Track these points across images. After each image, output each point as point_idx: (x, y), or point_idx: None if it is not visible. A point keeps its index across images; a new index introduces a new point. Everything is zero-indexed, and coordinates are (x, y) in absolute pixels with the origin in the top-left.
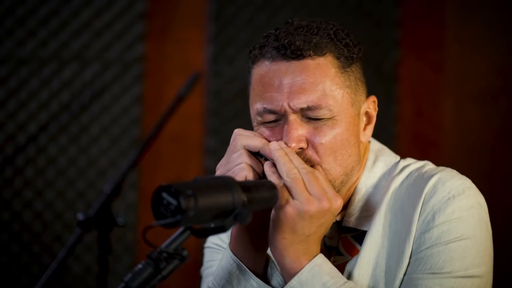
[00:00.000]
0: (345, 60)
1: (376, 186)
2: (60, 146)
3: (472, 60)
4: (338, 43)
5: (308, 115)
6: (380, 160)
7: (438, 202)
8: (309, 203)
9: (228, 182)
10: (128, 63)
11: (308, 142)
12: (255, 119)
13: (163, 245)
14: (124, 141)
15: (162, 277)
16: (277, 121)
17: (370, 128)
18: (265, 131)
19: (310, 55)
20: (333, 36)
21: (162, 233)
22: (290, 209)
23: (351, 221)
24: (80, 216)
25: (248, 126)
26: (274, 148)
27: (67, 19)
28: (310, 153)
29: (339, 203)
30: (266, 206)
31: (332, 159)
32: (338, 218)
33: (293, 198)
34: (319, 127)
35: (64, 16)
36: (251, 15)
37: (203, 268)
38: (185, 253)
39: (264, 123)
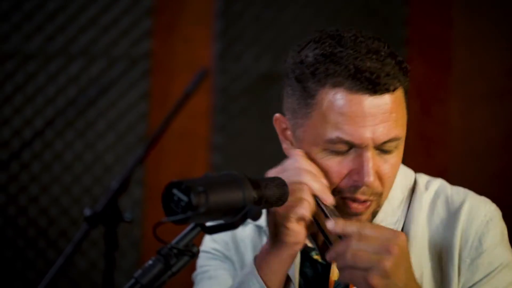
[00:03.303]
0: (406, 89)
1: (398, 199)
2: (67, 142)
3: (479, 59)
4: (404, 72)
5: (381, 148)
6: (399, 172)
7: (479, 227)
8: (383, 261)
9: (238, 179)
10: (135, 59)
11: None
12: (323, 145)
13: (174, 241)
14: (131, 137)
15: (172, 273)
16: (347, 151)
17: None
18: (333, 161)
19: (393, 90)
20: (398, 64)
21: (170, 229)
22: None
23: None
24: (87, 212)
25: (255, 122)
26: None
27: (75, 14)
28: (376, 185)
29: (402, 237)
30: (277, 204)
31: (389, 187)
32: None
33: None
34: (388, 159)
35: (71, 11)
36: (259, 12)
37: (195, 273)
38: (195, 249)
39: (332, 151)
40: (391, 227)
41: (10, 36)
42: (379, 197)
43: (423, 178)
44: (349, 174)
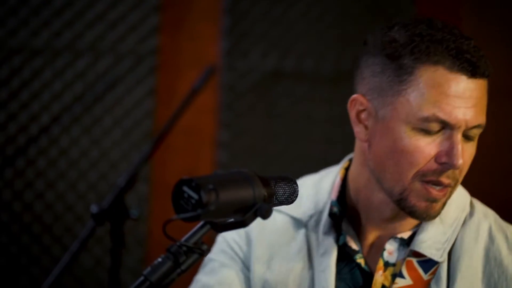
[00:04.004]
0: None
1: (451, 217)
2: (73, 138)
3: (487, 58)
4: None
5: (467, 134)
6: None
7: None
8: None
9: (248, 177)
10: (142, 56)
11: None
12: (415, 122)
13: (183, 239)
14: (137, 134)
15: (181, 271)
16: (437, 132)
17: None
18: (422, 141)
19: (487, 76)
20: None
21: (178, 227)
22: None
23: (423, 247)
24: (94, 209)
25: (261, 120)
26: None
27: (82, 10)
28: (457, 171)
29: None
30: (287, 202)
31: (462, 178)
32: (405, 236)
33: None
34: (467, 148)
35: (78, 7)
36: (266, 9)
37: (210, 255)
38: (204, 247)
39: (422, 131)
40: (439, 246)
41: (17, 31)
42: (455, 186)
43: (479, 204)
44: (436, 156)
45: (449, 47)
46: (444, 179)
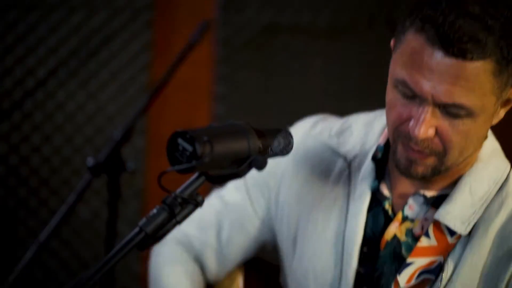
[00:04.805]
0: (505, 63)
1: (482, 190)
2: (69, 92)
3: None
4: (505, 44)
5: (448, 110)
6: (492, 163)
7: None
8: None
9: (243, 129)
10: (137, 10)
11: (437, 131)
12: (393, 82)
13: (178, 190)
14: (132, 88)
15: (177, 222)
16: (414, 97)
17: (504, 111)
18: (399, 102)
19: (471, 58)
20: (503, 33)
21: (174, 179)
22: None
23: (448, 219)
24: (90, 162)
25: (257, 73)
26: None
27: None
28: (436, 142)
29: None
30: (282, 153)
31: (458, 153)
32: (428, 195)
33: None
34: (456, 124)
35: None
36: None
37: (225, 191)
38: (199, 198)
39: (400, 91)
40: (465, 219)
41: None
42: (440, 156)
43: None
44: (407, 120)
45: (438, 17)
46: (413, 145)
